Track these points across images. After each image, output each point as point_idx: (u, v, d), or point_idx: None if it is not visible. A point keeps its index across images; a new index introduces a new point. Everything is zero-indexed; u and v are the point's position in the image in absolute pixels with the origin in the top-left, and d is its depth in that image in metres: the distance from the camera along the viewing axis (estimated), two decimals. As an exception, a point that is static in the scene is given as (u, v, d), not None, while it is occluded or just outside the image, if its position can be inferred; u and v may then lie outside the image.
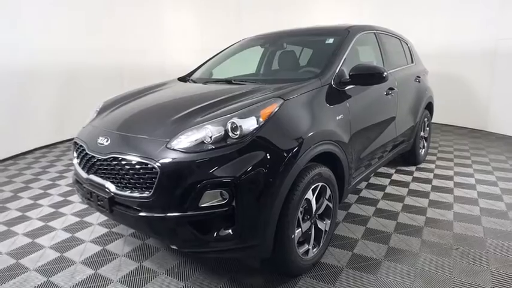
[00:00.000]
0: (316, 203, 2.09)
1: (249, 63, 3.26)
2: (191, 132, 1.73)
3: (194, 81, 2.90)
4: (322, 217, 2.19)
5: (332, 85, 2.29)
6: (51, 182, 3.86)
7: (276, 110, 1.83)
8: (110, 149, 1.87)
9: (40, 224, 2.87)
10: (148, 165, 1.68)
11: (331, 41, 2.68)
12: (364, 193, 3.29)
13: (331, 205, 2.21)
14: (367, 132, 2.64)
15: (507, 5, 5.15)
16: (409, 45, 3.98)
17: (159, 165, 1.64)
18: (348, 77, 2.35)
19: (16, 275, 2.17)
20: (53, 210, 3.12)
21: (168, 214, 1.64)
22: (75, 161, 2.21)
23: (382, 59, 3.11)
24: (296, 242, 1.92)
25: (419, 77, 3.79)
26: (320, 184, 2.05)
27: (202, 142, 1.69)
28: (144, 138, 1.84)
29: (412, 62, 3.93)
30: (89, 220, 2.89)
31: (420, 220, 2.74)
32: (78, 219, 2.92)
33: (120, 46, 6.08)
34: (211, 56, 3.39)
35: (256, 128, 1.72)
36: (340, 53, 2.48)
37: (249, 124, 1.72)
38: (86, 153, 2.03)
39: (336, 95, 2.28)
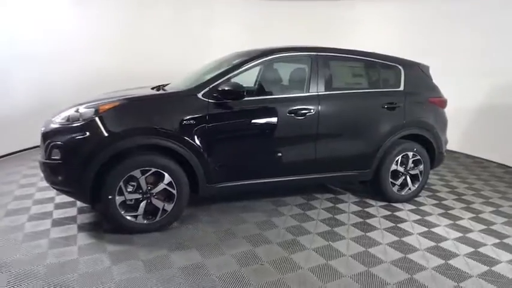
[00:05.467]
0: (154, 184, 2.70)
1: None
2: (63, 113, 2.74)
3: (157, 88, 3.68)
4: (167, 199, 2.76)
5: (198, 96, 2.79)
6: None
7: (114, 106, 2.61)
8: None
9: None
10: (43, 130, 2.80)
11: (237, 61, 3.08)
12: (284, 209, 3.36)
13: (173, 191, 2.75)
14: (243, 143, 2.95)
15: None
16: (402, 70, 3.58)
17: (43, 129, 2.74)
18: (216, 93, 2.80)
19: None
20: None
21: (42, 160, 2.71)
22: None
23: (310, 79, 3.16)
24: (118, 205, 2.61)
25: (393, 104, 3.40)
26: (153, 169, 2.66)
27: (68, 120, 2.67)
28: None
29: (400, 87, 3.54)
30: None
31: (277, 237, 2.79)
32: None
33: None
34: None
35: (92, 116, 2.57)
36: (225, 72, 2.92)
37: (88, 113, 2.59)
38: None
39: (195, 105, 2.77)
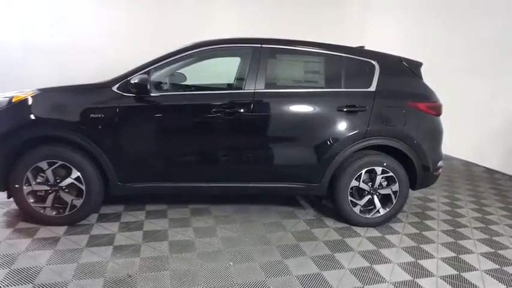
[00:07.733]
0: (63, 178, 2.65)
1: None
2: None
3: None
4: (78, 195, 2.69)
5: (112, 89, 2.65)
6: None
7: (25, 96, 2.61)
8: None
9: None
10: None
11: (162, 54, 2.83)
12: (220, 215, 3.06)
13: (82, 187, 2.66)
14: (157, 142, 2.74)
15: None
16: (376, 66, 2.93)
17: None
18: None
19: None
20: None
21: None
22: None
23: (247, 75, 2.77)
24: (27, 194, 2.62)
25: (354, 107, 2.79)
26: (60, 162, 2.60)
27: None
28: None
29: (370, 87, 2.90)
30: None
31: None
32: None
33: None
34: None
35: (5, 105, 2.61)
36: (143, 66, 2.72)
37: (3, 102, 2.63)
38: None
39: (107, 98, 2.64)
